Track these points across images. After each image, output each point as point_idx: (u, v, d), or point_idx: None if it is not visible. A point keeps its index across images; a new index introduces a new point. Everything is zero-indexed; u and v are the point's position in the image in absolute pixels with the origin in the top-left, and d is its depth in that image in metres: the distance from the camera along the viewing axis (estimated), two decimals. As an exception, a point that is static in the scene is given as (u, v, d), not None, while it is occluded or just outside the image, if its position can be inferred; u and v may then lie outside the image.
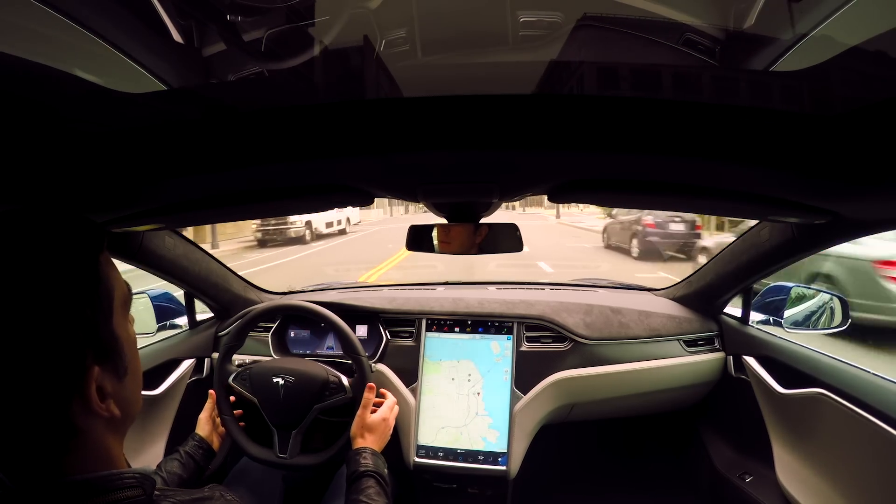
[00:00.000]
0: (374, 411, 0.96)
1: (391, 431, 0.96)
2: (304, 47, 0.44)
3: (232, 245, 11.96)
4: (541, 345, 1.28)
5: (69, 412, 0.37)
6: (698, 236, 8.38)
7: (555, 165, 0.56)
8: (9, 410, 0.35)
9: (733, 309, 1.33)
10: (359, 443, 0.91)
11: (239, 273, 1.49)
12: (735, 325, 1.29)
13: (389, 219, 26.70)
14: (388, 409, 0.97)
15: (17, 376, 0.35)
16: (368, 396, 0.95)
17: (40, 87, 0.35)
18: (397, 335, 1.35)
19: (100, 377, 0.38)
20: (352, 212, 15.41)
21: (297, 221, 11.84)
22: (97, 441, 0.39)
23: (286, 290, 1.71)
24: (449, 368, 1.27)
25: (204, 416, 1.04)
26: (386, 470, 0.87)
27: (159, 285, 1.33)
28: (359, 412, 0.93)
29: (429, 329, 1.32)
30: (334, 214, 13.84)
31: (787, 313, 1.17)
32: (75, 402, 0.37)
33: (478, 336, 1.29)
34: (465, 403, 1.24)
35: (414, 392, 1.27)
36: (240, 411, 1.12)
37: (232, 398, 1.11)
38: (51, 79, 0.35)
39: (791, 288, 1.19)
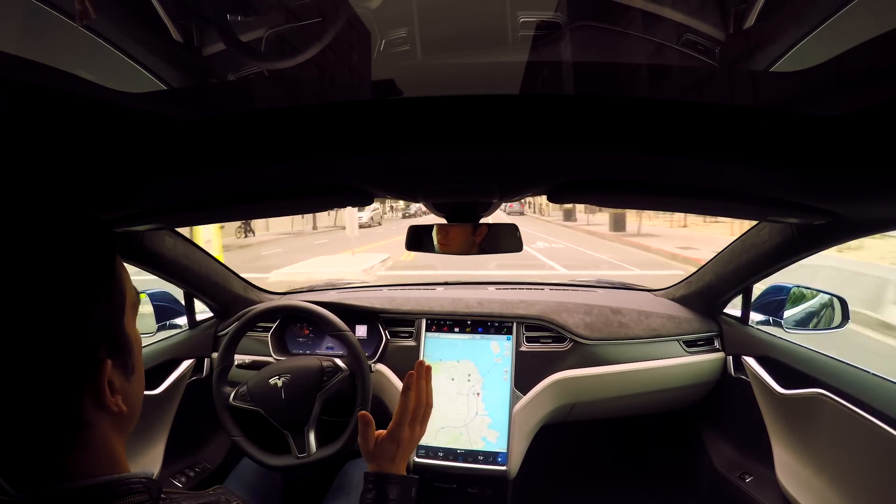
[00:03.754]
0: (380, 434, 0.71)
1: (415, 443, 0.73)
2: (305, 47, 0.44)
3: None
4: (540, 345, 1.28)
5: (80, 403, 0.37)
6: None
7: (554, 165, 0.56)
8: (21, 399, 0.35)
9: (733, 309, 1.34)
10: (372, 467, 0.70)
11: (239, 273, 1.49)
12: (735, 326, 1.29)
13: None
14: (397, 425, 0.70)
15: (33, 364, 0.35)
16: (362, 428, 0.70)
17: (41, 87, 0.35)
18: (397, 335, 1.35)
19: (110, 372, 0.39)
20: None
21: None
22: (103, 438, 0.39)
23: (286, 290, 1.71)
24: (449, 368, 1.27)
25: None
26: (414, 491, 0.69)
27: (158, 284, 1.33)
28: (359, 441, 0.71)
29: (428, 329, 1.32)
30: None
31: (786, 313, 1.17)
32: (87, 395, 0.37)
33: (477, 336, 1.29)
34: (464, 403, 1.24)
35: (414, 392, 1.27)
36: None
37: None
38: (52, 79, 0.35)
39: (791, 288, 1.19)
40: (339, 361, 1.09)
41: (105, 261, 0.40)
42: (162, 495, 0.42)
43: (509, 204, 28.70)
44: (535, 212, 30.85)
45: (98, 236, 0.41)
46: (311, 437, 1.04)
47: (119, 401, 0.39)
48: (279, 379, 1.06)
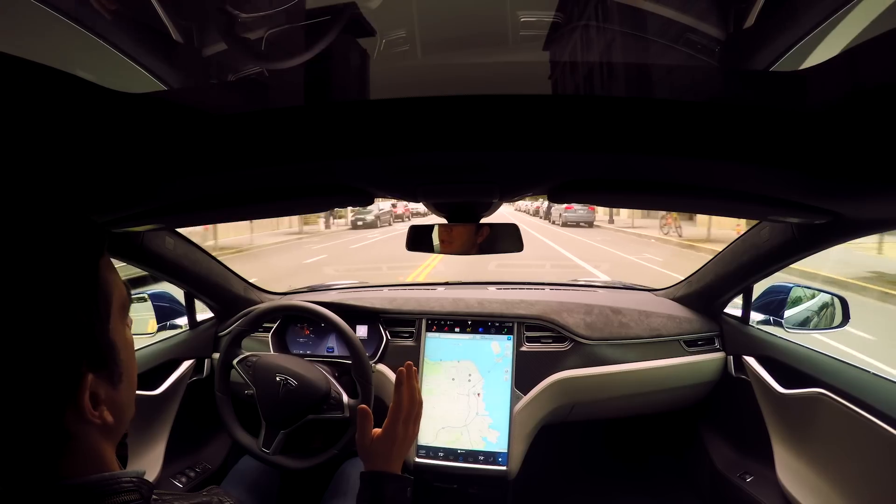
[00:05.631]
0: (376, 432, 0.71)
1: (410, 441, 0.71)
2: (305, 48, 0.44)
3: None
4: (541, 345, 1.28)
5: (62, 418, 0.36)
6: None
7: (555, 165, 0.56)
8: (2, 416, 0.34)
9: (733, 309, 1.33)
10: (368, 467, 0.70)
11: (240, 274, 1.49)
12: (735, 325, 1.29)
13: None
14: (392, 422, 0.69)
15: (10, 383, 0.34)
16: (361, 422, 0.70)
17: (41, 88, 0.35)
18: (397, 335, 1.35)
19: (94, 384, 0.37)
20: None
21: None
22: (91, 446, 0.38)
23: (287, 290, 1.71)
24: (449, 368, 1.27)
25: None
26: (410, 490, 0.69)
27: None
28: (356, 437, 0.71)
29: (429, 329, 1.32)
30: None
31: (787, 313, 1.17)
32: (69, 409, 0.36)
33: (478, 336, 1.29)
34: (465, 403, 1.24)
35: (414, 392, 1.27)
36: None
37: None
38: (52, 79, 0.35)
39: (791, 288, 1.19)
40: (345, 398, 1.07)
41: (87, 267, 0.38)
42: (154, 496, 0.41)
43: (566, 206, 15.36)
44: (611, 221, 17.65)
45: (80, 239, 0.38)
46: (281, 441, 1.05)
47: (104, 412, 0.38)
48: (284, 379, 1.06)
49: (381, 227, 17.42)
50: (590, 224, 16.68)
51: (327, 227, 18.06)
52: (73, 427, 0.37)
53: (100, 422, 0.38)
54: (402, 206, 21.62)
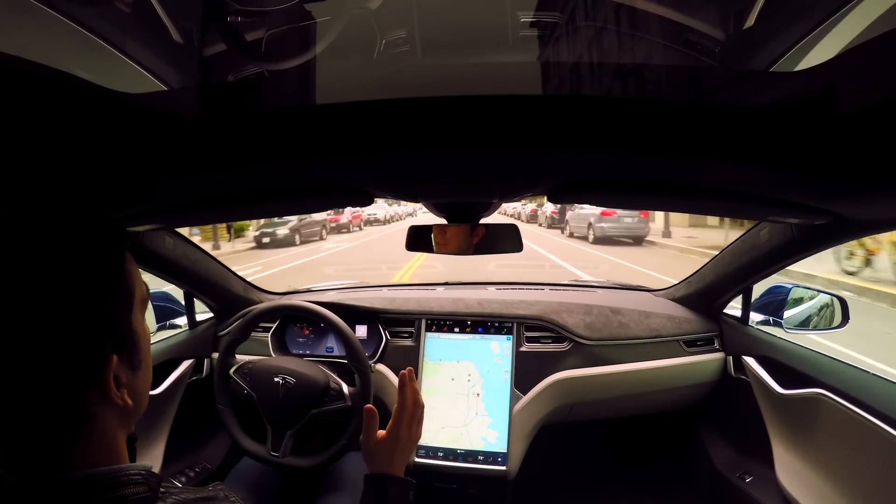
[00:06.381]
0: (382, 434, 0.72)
1: (413, 443, 0.73)
2: (305, 48, 0.44)
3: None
4: (540, 345, 1.28)
5: (86, 397, 0.38)
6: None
7: (554, 166, 0.56)
8: (28, 392, 0.36)
9: (733, 309, 1.34)
10: (371, 469, 0.71)
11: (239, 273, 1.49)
12: (735, 326, 1.29)
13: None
14: (396, 423, 0.71)
15: (40, 360, 0.36)
16: (367, 422, 0.72)
17: (41, 88, 0.35)
18: (397, 335, 1.35)
19: (117, 367, 0.39)
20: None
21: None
22: (105, 431, 0.40)
23: (287, 290, 1.71)
24: (449, 369, 1.27)
25: None
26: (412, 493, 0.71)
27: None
28: (361, 437, 0.73)
29: (428, 329, 1.32)
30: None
31: (786, 314, 1.18)
32: (93, 389, 0.38)
33: (478, 336, 1.29)
34: (464, 404, 1.24)
35: (414, 392, 1.26)
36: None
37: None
38: (52, 79, 0.35)
39: (791, 288, 1.19)
40: (345, 388, 1.08)
41: (114, 258, 0.41)
42: (161, 489, 0.42)
43: (601, 210, 9.32)
44: (666, 233, 10.44)
45: (108, 233, 0.41)
46: (290, 442, 1.05)
47: (124, 394, 0.40)
48: (282, 379, 1.06)
49: (301, 243, 12.00)
50: (639, 240, 10.10)
51: (215, 248, 10.63)
52: (93, 408, 0.38)
53: (121, 403, 0.40)
54: (348, 211, 15.57)
